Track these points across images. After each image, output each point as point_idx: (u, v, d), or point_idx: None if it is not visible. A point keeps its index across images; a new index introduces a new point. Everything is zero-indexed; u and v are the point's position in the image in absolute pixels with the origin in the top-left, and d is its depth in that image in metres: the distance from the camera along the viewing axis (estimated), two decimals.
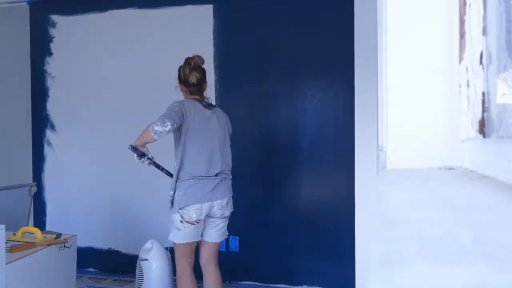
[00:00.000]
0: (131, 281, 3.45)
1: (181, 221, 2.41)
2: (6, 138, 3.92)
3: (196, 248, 2.58)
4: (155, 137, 2.29)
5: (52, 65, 3.99)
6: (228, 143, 2.59)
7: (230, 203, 2.56)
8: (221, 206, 2.48)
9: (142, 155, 2.44)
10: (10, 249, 2.28)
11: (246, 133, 3.51)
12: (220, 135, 2.51)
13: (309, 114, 3.40)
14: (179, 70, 2.56)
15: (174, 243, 2.50)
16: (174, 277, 2.91)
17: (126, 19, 3.76)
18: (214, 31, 3.57)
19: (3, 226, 2.03)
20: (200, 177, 2.40)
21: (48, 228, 3.89)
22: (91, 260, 3.83)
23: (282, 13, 3.42)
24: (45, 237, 2.56)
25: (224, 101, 3.56)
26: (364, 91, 2.62)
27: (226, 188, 2.51)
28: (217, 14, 3.56)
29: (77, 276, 2.82)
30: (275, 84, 3.46)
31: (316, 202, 3.39)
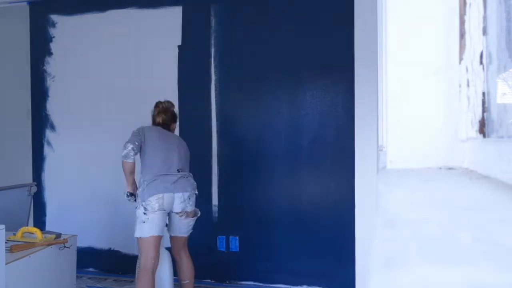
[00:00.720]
0: (131, 281, 3.45)
1: (145, 213, 2.54)
2: (6, 138, 3.92)
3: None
4: (128, 160, 2.60)
5: (52, 65, 3.99)
6: (187, 157, 2.84)
7: (193, 199, 2.72)
8: (182, 199, 2.64)
9: (132, 195, 2.77)
10: (10, 249, 2.28)
11: (247, 133, 3.52)
12: (181, 150, 2.78)
13: (309, 114, 3.40)
14: (152, 110, 2.90)
15: (140, 238, 2.57)
16: (175, 277, 2.91)
17: (126, 19, 3.76)
18: (214, 31, 3.57)
19: (3, 226, 2.04)
20: (161, 174, 2.61)
21: (48, 228, 3.89)
22: (91, 260, 3.83)
23: (283, 13, 3.42)
24: (45, 237, 2.56)
25: (224, 101, 3.56)
26: (364, 91, 2.62)
27: (187, 184, 2.69)
28: (217, 14, 3.57)
29: (77, 276, 2.82)
30: (275, 84, 3.46)
31: (316, 202, 3.39)
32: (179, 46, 3.66)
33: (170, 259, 2.94)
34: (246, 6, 3.51)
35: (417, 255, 0.42)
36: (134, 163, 2.64)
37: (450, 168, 0.95)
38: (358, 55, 2.68)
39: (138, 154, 2.67)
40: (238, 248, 3.54)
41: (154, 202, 2.54)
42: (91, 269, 3.86)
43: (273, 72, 3.45)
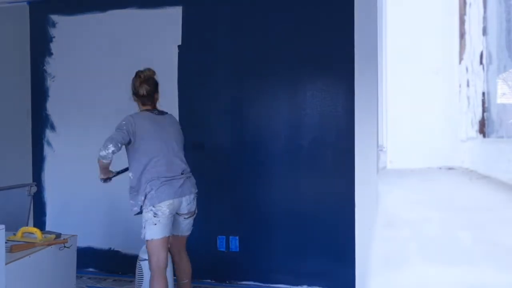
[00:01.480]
0: (131, 281, 3.45)
1: (155, 216, 2.54)
2: (6, 138, 3.92)
3: None
4: (105, 161, 2.52)
5: (52, 65, 3.99)
6: (182, 145, 2.77)
7: (195, 199, 2.74)
8: (189, 201, 2.67)
9: (107, 179, 2.78)
10: (10, 249, 2.28)
11: (246, 133, 3.52)
12: (177, 138, 2.71)
13: (309, 114, 3.40)
14: (132, 83, 2.71)
15: (150, 240, 2.57)
16: (174, 277, 2.91)
17: (126, 19, 3.76)
18: (213, 31, 3.57)
19: (3, 226, 2.04)
20: (166, 177, 2.57)
21: (48, 228, 3.89)
22: (91, 260, 3.83)
23: (283, 13, 3.42)
24: (45, 237, 2.56)
25: (224, 101, 3.56)
26: (364, 91, 2.61)
27: (191, 185, 2.70)
28: (217, 14, 3.57)
29: (77, 276, 2.82)
30: (275, 84, 3.46)
31: (316, 202, 3.39)
32: (179, 46, 3.66)
33: (170, 259, 2.94)
34: (246, 6, 3.51)
35: (417, 255, 0.42)
36: (111, 161, 2.54)
37: (450, 168, 0.95)
38: (358, 55, 2.67)
39: (124, 147, 2.58)
40: (238, 248, 3.54)
41: (165, 208, 2.53)
42: (91, 269, 3.85)
43: (273, 72, 3.45)
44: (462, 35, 0.95)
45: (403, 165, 1.00)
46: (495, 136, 0.84)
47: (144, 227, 2.58)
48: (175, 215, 2.66)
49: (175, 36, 3.65)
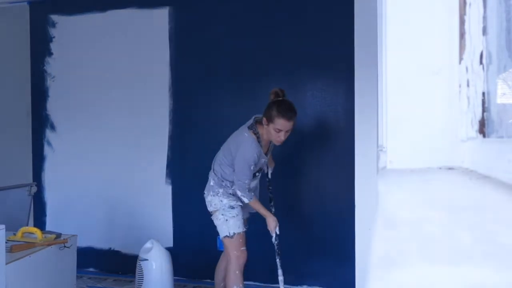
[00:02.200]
0: (131, 281, 3.45)
1: (233, 208, 2.75)
2: (6, 138, 3.92)
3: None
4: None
5: (52, 65, 3.99)
6: (226, 155, 2.75)
7: (207, 200, 2.79)
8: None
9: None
10: (10, 249, 2.28)
11: None
12: (224, 147, 2.79)
13: (309, 114, 3.40)
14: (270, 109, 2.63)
15: (235, 234, 2.72)
16: (175, 277, 2.91)
17: (126, 19, 3.76)
18: (213, 31, 3.57)
19: (3, 226, 2.04)
20: None
21: (48, 228, 3.89)
22: (91, 260, 3.83)
23: (283, 13, 3.42)
24: (45, 237, 2.56)
25: (224, 100, 3.56)
26: (364, 91, 2.62)
27: (207, 185, 2.81)
28: (217, 14, 3.57)
29: (77, 276, 2.82)
30: (275, 83, 3.46)
31: (316, 202, 3.39)
32: (179, 46, 3.66)
33: (170, 259, 2.94)
34: (246, 6, 3.51)
35: (417, 255, 0.42)
36: None
37: (450, 168, 0.95)
38: (358, 55, 2.67)
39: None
40: None
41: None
42: (91, 269, 3.85)
43: (273, 72, 3.45)
44: (462, 35, 0.95)
45: (403, 165, 1.00)
46: (495, 136, 0.85)
47: (222, 224, 2.75)
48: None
49: (176, 36, 3.65)
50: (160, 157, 3.72)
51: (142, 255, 2.95)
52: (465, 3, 0.95)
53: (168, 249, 2.98)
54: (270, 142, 2.76)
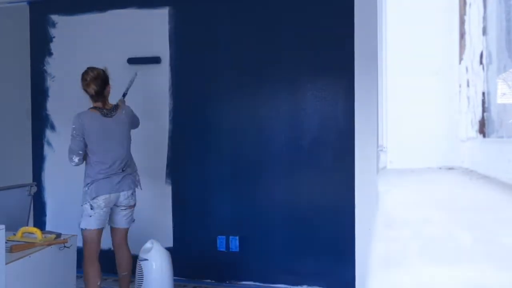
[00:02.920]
0: (131, 281, 3.45)
1: (91, 209, 2.79)
2: (6, 138, 3.92)
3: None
4: (79, 165, 2.89)
5: (52, 65, 3.99)
6: (130, 139, 2.96)
7: (135, 194, 2.97)
8: (126, 196, 2.90)
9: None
10: (10, 249, 2.28)
11: (246, 133, 3.52)
12: (122, 139, 2.90)
13: (309, 114, 3.40)
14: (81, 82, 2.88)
15: (84, 229, 2.82)
16: (175, 277, 2.91)
17: (126, 19, 3.76)
18: (214, 31, 3.57)
19: (3, 226, 2.04)
20: (107, 173, 2.82)
21: (48, 228, 3.89)
22: None
23: (283, 13, 3.42)
24: (45, 237, 2.56)
25: (224, 100, 3.56)
26: (364, 91, 2.62)
27: (131, 181, 2.93)
28: (218, 14, 3.57)
29: (77, 276, 2.82)
30: (275, 84, 3.46)
31: (316, 202, 3.39)
32: (179, 46, 3.66)
33: (170, 259, 2.94)
34: (246, 7, 3.51)
35: (417, 255, 0.42)
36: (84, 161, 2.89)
37: (450, 168, 0.95)
38: (358, 55, 2.68)
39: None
40: (238, 248, 3.54)
41: (101, 201, 2.79)
42: None
43: (273, 72, 3.45)
44: (462, 35, 0.95)
45: (403, 165, 1.00)
46: (495, 136, 0.85)
47: (81, 217, 2.83)
48: (112, 207, 2.90)
49: (177, 35, 3.65)
50: (160, 157, 3.72)
51: (142, 255, 2.95)
52: (465, 3, 0.95)
53: (168, 249, 2.98)
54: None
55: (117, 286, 3.62)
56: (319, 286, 3.39)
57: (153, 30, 3.71)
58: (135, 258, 3.05)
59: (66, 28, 3.94)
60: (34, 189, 3.24)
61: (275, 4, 3.44)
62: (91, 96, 2.84)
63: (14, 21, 4.04)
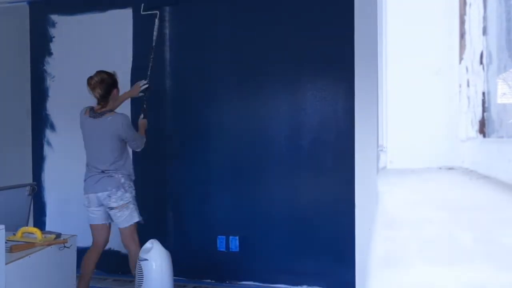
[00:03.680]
0: (131, 281, 3.45)
1: (85, 205, 3.01)
2: (6, 138, 3.92)
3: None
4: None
5: (52, 65, 3.99)
6: (115, 145, 2.93)
7: (115, 197, 2.93)
8: (103, 197, 2.93)
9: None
10: (10, 249, 2.28)
11: (246, 133, 3.52)
12: (100, 142, 2.93)
13: (309, 114, 3.40)
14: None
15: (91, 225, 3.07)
16: (175, 277, 2.91)
17: (126, 19, 3.76)
18: (214, 31, 3.57)
19: (3, 226, 2.04)
20: (88, 174, 2.96)
21: (48, 228, 3.89)
22: None
23: (283, 13, 3.42)
24: (45, 237, 2.56)
25: (224, 100, 3.57)
26: (364, 91, 2.62)
27: (108, 183, 2.91)
28: (218, 14, 3.57)
29: (77, 276, 2.82)
30: (275, 84, 3.46)
31: (316, 202, 3.39)
32: (179, 45, 3.66)
33: (170, 259, 2.94)
34: (246, 6, 3.51)
35: (417, 255, 0.42)
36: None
37: (450, 168, 0.95)
38: (358, 55, 2.67)
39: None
40: (238, 248, 3.54)
41: (85, 199, 2.98)
42: None
43: (272, 72, 3.45)
44: (462, 35, 0.95)
45: (403, 165, 1.00)
46: (495, 136, 0.85)
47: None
48: (105, 208, 2.99)
49: (177, 35, 3.65)
50: (160, 157, 3.72)
51: (142, 255, 2.95)
52: (465, 3, 0.95)
53: (168, 249, 2.98)
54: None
55: (117, 286, 3.63)
56: (319, 286, 3.39)
57: (152, 30, 3.70)
58: None
59: (66, 28, 3.94)
60: (34, 189, 3.24)
61: (275, 4, 3.44)
62: (96, 99, 2.94)
63: (14, 21, 4.04)
